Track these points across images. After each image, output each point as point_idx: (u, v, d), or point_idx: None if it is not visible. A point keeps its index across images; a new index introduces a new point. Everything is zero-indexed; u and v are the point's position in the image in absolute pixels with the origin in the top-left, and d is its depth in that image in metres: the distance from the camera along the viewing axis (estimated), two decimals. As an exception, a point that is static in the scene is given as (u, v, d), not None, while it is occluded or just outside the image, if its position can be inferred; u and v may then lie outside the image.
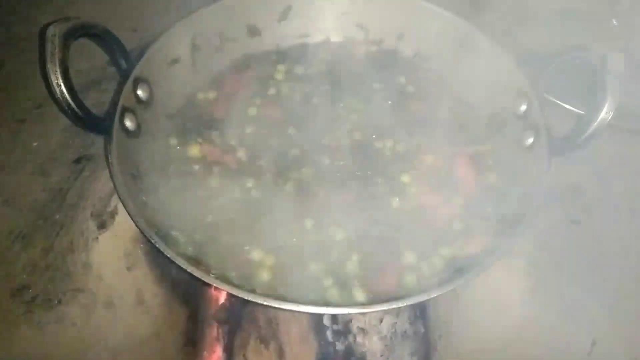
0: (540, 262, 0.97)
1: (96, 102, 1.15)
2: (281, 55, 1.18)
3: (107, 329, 0.88)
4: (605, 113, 0.82)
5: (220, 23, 1.13)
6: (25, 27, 1.29)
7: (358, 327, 0.89)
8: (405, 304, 0.72)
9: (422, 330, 0.91)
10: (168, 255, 0.74)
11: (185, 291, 0.93)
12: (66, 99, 0.81)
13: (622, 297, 0.94)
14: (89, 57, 1.21)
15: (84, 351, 0.87)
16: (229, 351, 0.89)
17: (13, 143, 1.12)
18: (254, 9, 1.15)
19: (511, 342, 0.89)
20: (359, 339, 0.89)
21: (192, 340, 0.89)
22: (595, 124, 0.83)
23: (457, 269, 0.85)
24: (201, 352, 0.88)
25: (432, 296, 0.73)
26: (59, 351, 0.87)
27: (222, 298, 0.91)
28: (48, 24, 0.81)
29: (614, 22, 1.34)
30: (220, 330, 0.90)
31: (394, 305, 0.71)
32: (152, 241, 0.76)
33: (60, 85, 0.80)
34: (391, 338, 0.89)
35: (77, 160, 1.09)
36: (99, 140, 1.09)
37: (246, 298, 0.72)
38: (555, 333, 0.90)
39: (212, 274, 0.79)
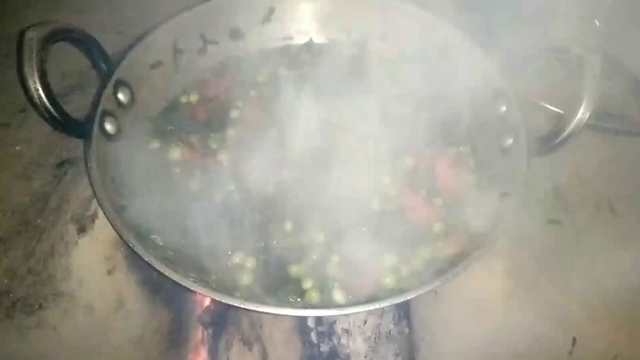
0: (520, 263, 0.97)
1: (80, 105, 1.14)
2: (264, 58, 1.18)
3: (88, 333, 0.88)
4: (582, 114, 0.83)
5: (202, 26, 1.13)
6: (8, 30, 1.28)
7: (342, 328, 0.89)
8: (383, 305, 0.72)
9: (407, 330, 0.91)
10: (146, 259, 0.74)
11: (169, 294, 0.93)
12: (44, 103, 0.81)
13: (602, 296, 0.94)
14: (75, 59, 1.20)
15: (65, 356, 0.86)
16: (213, 354, 0.88)
17: (-4, 147, 1.11)
18: (237, 12, 1.15)
19: (493, 342, 0.90)
20: (343, 340, 0.89)
21: (176, 344, 0.89)
22: (572, 125, 0.83)
23: (437, 270, 0.85)
24: (185, 355, 0.88)
25: (409, 297, 0.73)
26: (40, 356, 0.86)
27: (206, 301, 0.91)
28: (25, 29, 0.81)
29: (597, 23, 1.34)
30: (205, 333, 0.90)
31: (372, 307, 0.71)
32: (130, 245, 0.76)
33: (37, 90, 0.80)
34: (375, 339, 0.89)
35: (60, 164, 1.09)
36: (82, 144, 1.09)
37: (224, 302, 0.72)
38: (536, 332, 0.90)
39: (192, 277, 0.78)
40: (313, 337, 0.89)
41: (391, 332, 0.90)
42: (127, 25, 1.33)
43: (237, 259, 0.88)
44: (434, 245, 0.90)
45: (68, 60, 1.19)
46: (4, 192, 1.04)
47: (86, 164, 0.85)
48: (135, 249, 0.75)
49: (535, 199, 1.04)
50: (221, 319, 0.91)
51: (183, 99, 1.10)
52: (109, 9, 1.40)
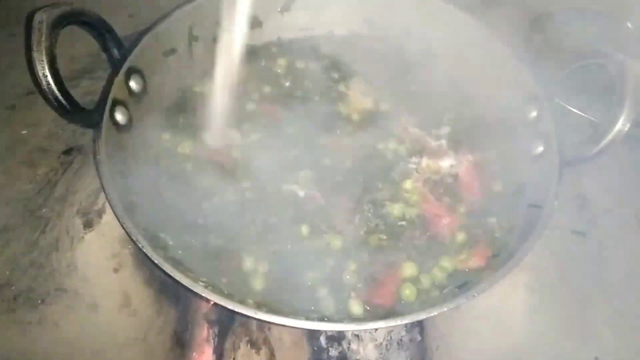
0: (543, 275, 0.94)
1: (89, 90, 1.11)
2: (282, 48, 1.14)
3: (91, 331, 0.85)
4: (621, 124, 0.78)
5: (219, 12, 1.07)
6: (17, 9, 1.24)
7: (353, 333, 0.86)
8: (404, 322, 0.69)
9: (419, 339, 0.88)
10: (155, 261, 0.71)
11: (175, 293, 0.90)
12: (52, 91, 0.76)
13: (625, 312, 0.91)
14: (84, 42, 1.15)
15: (67, 353, 0.84)
16: (218, 354, 0.86)
17: (1, 131, 1.08)
18: (256, -1, 1.11)
19: (512, 357, 0.86)
20: (354, 346, 0.86)
21: (181, 342, 0.86)
22: (611, 135, 0.79)
23: (460, 283, 0.81)
24: (190, 353, 0.86)
25: (431, 314, 0.70)
26: (41, 352, 0.83)
27: (214, 299, 0.88)
28: (35, 11, 0.76)
29: (629, 25, 1.29)
30: (210, 332, 0.87)
31: (392, 323, 0.68)
32: (139, 245, 0.72)
33: (46, 76, 0.76)
34: (387, 346, 0.87)
35: (67, 151, 1.05)
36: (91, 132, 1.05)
37: (235, 310, 0.69)
38: (557, 349, 0.87)
39: (202, 281, 0.75)
40: (322, 341, 0.86)
41: (403, 339, 0.87)
42: (139, 8, 1.29)
43: (249, 262, 0.84)
44: (456, 256, 0.86)
45: (77, 42, 1.15)
46: (7, 178, 1.00)
47: (94, 156, 0.81)
48: (144, 250, 0.72)
49: (558, 208, 1.00)
50: (228, 318, 0.88)
51: (197, 89, 1.06)
52: (122, -10, 1.35)
